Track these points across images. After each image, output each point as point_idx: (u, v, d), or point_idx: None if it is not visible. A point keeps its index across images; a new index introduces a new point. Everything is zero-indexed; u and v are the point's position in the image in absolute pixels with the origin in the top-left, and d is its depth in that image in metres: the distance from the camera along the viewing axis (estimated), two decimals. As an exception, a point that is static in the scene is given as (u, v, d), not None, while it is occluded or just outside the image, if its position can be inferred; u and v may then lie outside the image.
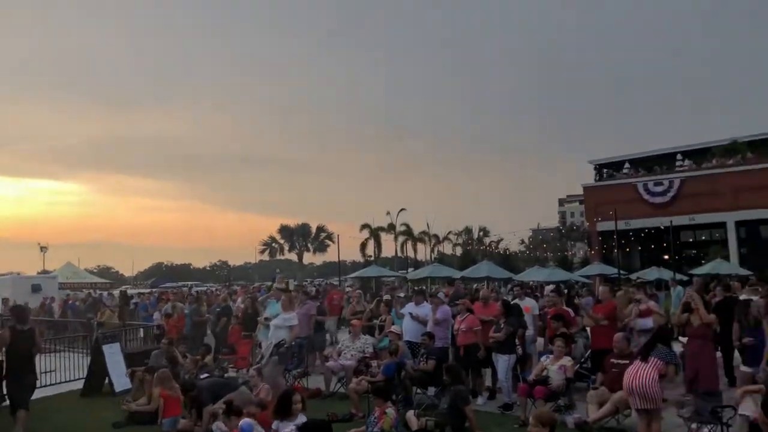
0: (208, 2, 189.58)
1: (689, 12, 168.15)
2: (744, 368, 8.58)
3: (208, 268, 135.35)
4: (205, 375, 10.81)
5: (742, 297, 12.10)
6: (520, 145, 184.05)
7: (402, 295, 15.22)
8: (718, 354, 9.97)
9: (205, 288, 47.69)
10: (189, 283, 70.12)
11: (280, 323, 10.19)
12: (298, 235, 64.98)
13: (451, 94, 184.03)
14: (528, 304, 11.12)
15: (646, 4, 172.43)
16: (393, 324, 11.94)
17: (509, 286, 29.40)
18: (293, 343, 10.56)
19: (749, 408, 6.85)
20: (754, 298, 10.71)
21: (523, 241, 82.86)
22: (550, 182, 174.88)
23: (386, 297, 15.05)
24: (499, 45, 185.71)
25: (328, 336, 15.76)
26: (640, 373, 6.93)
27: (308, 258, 70.60)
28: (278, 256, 69.25)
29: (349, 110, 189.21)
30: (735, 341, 8.72)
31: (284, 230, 65.43)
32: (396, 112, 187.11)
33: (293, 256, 69.16)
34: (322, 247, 65.21)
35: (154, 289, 46.49)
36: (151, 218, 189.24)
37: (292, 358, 11.05)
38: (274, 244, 65.60)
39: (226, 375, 11.90)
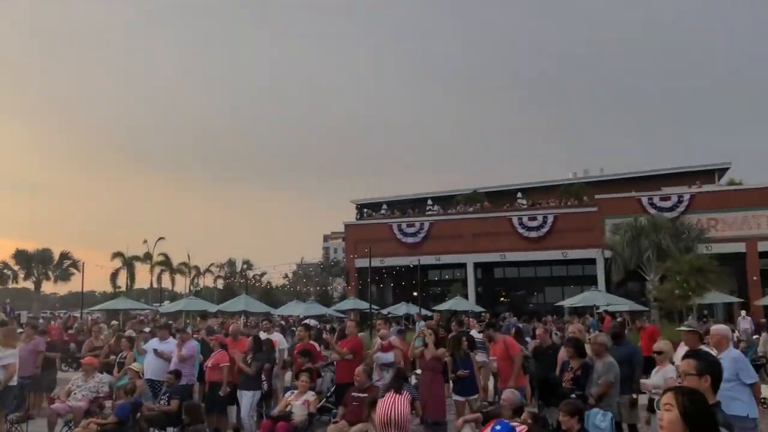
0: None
1: (437, 80, 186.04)
2: (456, 397, 9.39)
3: None
4: None
5: (472, 332, 13.36)
6: (292, 180, 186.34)
7: (147, 329, 14.32)
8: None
9: None
10: None
11: (-6, 362, 8.95)
12: (36, 262, 58.22)
13: (220, 124, 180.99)
14: (275, 338, 11.14)
15: (407, 69, 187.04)
16: (135, 361, 11.17)
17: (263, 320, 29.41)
18: (14, 383, 9.35)
19: (467, 435, 7.51)
20: (479, 333, 11.89)
21: (286, 275, 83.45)
22: (320, 218, 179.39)
23: (129, 332, 14.06)
24: (267, 87, 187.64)
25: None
26: (397, 404, 7.23)
27: (50, 287, 63.69)
28: (11, 284, 61.29)
29: (103, 130, 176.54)
30: (450, 374, 9.51)
31: (20, 255, 58.25)
32: (159, 138, 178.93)
33: (30, 285, 61.75)
34: (65, 276, 59.16)
35: None
36: None
37: (13, 401, 9.77)
38: (6, 271, 58.04)
39: None
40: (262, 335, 11.57)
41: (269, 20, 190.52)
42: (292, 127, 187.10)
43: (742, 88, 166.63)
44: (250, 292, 48.60)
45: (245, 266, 72.50)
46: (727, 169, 46.25)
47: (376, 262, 36.76)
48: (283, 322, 31.78)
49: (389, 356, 11.12)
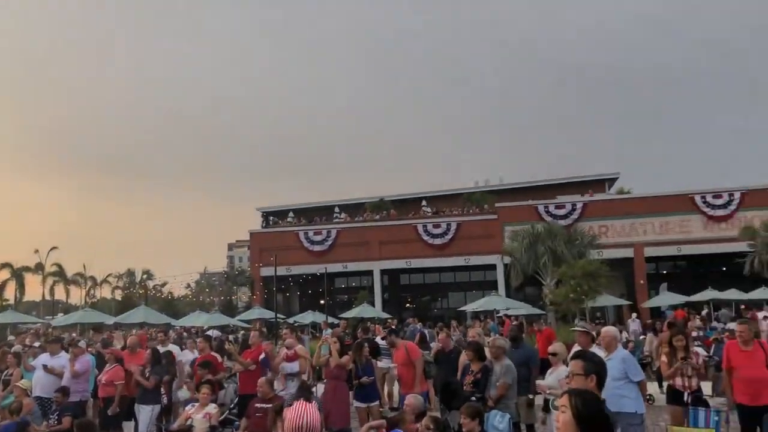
0: None
1: (343, 87, 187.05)
2: (358, 404, 9.46)
3: None
4: None
5: (377, 339, 13.48)
6: (195, 188, 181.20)
7: (37, 344, 13.54)
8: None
9: None
10: None
11: None
12: None
13: (120, 128, 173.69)
14: (173, 350, 10.85)
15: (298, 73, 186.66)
16: (22, 378, 10.53)
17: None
18: None
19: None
20: (383, 340, 12.02)
21: (189, 285, 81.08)
22: (225, 227, 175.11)
23: (15, 347, 13.23)
24: (170, 90, 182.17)
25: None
26: (308, 411, 7.21)
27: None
28: None
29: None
30: (354, 380, 9.56)
31: None
32: (54, 141, 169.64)
33: None
34: (-55, 288, 55.18)
35: None
36: None
37: None
38: None
39: None
40: (170, 347, 11.27)
41: (175, 18, 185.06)
42: (196, 132, 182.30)
43: (628, 101, 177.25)
44: (150, 303, 46.86)
45: (145, 276, 70.02)
46: (616, 178, 49.07)
47: (282, 271, 36.34)
48: (185, 333, 30.93)
49: (294, 366, 11.05)
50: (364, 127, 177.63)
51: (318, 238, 42.42)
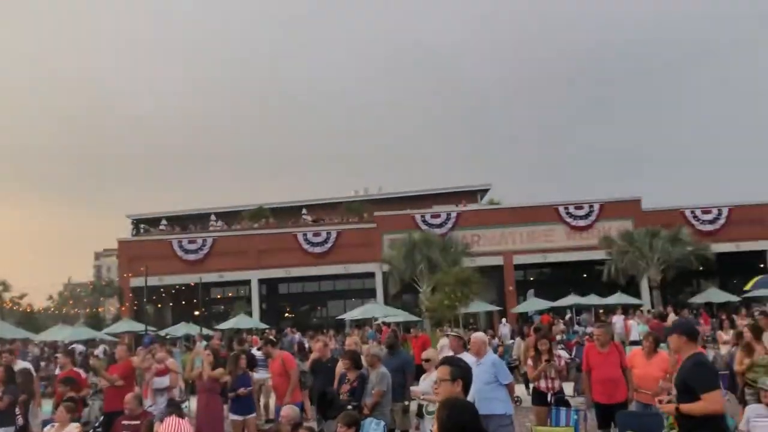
0: None
1: (217, 90, 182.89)
2: (233, 417, 9.26)
3: None
4: None
5: (253, 350, 13.25)
6: (58, 192, 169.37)
7: None
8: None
9: None
10: None
11: None
12: None
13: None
14: (25, 366, 10.17)
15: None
16: None
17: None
18: None
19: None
20: (258, 351, 11.85)
21: (51, 297, 75.80)
22: (91, 234, 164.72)
23: None
24: (31, 83, 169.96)
25: None
26: (181, 425, 7.10)
27: None
28: None
29: None
30: (230, 392, 9.33)
31: None
32: None
33: None
34: None
35: None
36: None
37: None
38: None
39: None
40: (20, 364, 10.47)
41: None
42: (60, 132, 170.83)
43: (500, 116, 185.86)
44: (6, 316, 43.31)
45: (0, 288, 64.69)
46: (487, 190, 51.33)
47: (153, 281, 34.90)
48: (47, 348, 28.87)
49: (164, 380, 10.68)
50: (241, 132, 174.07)
51: (192, 246, 41.06)
